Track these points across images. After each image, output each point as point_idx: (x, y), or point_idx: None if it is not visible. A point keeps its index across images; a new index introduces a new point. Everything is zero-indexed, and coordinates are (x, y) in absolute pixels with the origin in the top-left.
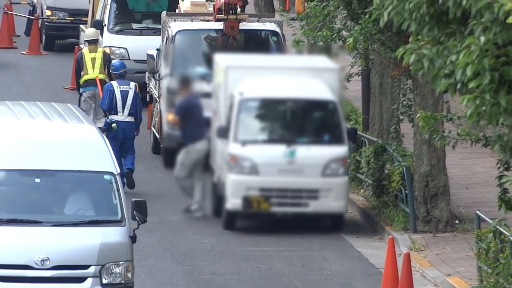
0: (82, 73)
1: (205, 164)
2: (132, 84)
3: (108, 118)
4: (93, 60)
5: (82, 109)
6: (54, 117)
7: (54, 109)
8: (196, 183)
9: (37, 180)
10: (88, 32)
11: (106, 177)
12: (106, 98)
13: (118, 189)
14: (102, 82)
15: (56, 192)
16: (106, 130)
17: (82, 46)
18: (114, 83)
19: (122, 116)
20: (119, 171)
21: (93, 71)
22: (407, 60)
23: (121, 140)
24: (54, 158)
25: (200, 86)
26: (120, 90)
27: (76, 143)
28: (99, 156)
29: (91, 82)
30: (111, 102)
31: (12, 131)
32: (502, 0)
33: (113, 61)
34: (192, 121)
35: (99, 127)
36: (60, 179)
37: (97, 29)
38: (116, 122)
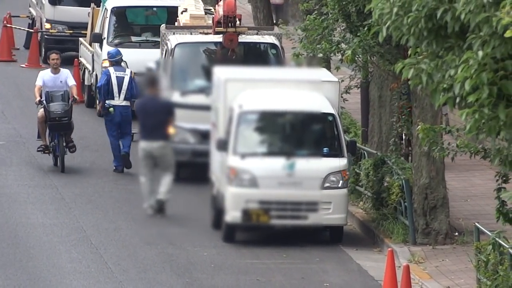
0: None
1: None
2: (128, 70)
3: (106, 103)
4: None
5: None
6: None
7: None
8: (146, 180)
9: None
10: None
11: None
12: (103, 81)
13: None
14: None
15: None
16: (104, 114)
17: (81, 59)
18: (111, 69)
19: (119, 100)
20: None
21: None
22: (406, 75)
23: (118, 124)
24: None
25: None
26: (116, 76)
27: None
28: None
29: None
30: (108, 87)
31: None
32: (501, 14)
33: (109, 49)
34: (141, 121)
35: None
36: None
37: (96, 42)
38: (113, 106)
